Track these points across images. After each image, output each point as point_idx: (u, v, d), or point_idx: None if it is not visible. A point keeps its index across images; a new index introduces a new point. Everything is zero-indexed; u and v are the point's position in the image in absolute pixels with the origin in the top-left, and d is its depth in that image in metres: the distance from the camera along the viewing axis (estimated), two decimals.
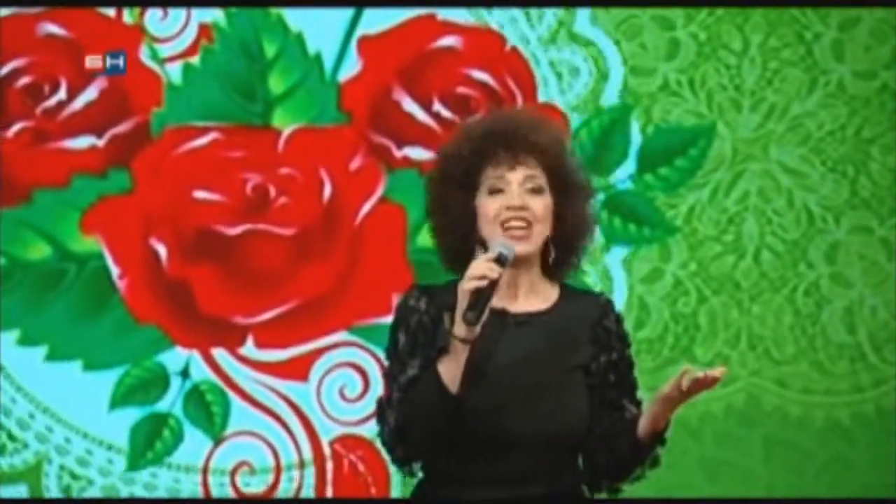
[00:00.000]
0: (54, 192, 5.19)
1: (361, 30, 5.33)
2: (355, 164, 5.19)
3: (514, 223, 3.31)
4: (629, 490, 4.98)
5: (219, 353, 5.18)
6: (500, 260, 3.25)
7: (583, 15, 5.33)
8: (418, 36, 5.24)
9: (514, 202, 3.32)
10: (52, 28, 5.17)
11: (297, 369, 5.07)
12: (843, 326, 5.31)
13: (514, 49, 5.22)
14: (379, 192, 5.29)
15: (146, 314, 5.20)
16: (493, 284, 3.23)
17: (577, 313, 3.37)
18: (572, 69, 5.32)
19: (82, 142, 5.17)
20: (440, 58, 5.19)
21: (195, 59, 5.28)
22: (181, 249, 5.25)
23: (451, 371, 3.26)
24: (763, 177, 5.27)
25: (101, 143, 5.18)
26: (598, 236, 5.07)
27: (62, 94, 5.15)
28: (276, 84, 5.22)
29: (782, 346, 5.28)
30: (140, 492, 5.20)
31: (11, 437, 5.25)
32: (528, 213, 3.32)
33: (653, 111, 5.23)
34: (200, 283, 5.23)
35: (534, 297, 3.38)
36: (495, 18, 5.29)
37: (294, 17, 5.22)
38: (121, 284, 5.23)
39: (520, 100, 5.25)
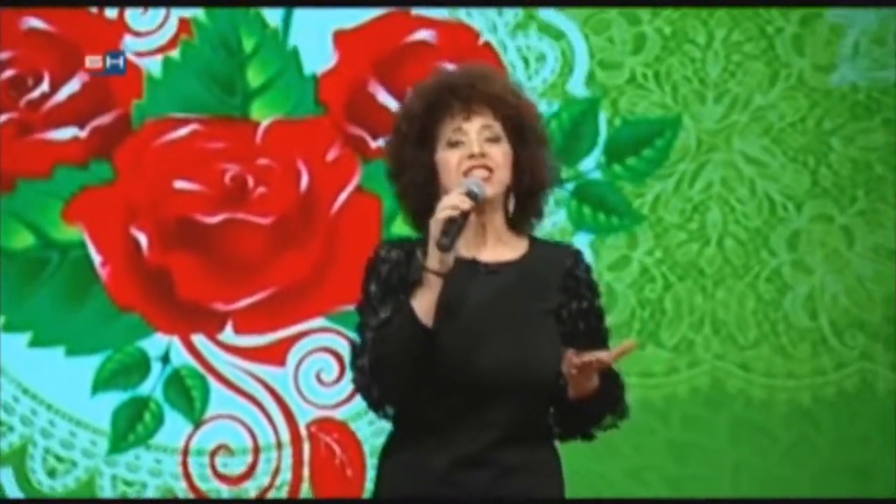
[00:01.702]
0: (37, 183, 5.18)
1: (338, 25, 5.30)
2: (332, 154, 5.19)
3: (476, 172, 3.30)
4: (630, 490, 5.08)
5: (198, 339, 5.20)
6: (470, 194, 3.25)
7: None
8: (393, 30, 5.23)
9: (474, 150, 3.31)
10: (36, 23, 5.16)
11: (275, 354, 5.10)
12: (805, 312, 5.32)
13: (487, 43, 5.21)
14: (355, 182, 5.32)
15: (127, 301, 5.21)
16: (465, 216, 3.23)
17: (546, 262, 3.36)
18: (539, 56, 5.32)
19: (65, 133, 5.17)
20: (415, 51, 5.18)
21: (175, 53, 5.28)
22: (161, 238, 5.25)
23: (424, 304, 3.24)
24: (726, 167, 5.29)
25: (83, 134, 5.18)
26: (564, 222, 5.13)
27: (45, 86, 5.14)
28: (254, 77, 5.23)
29: (745, 330, 5.30)
30: (123, 472, 5.22)
31: None
32: (489, 160, 3.31)
33: (620, 103, 5.25)
34: (180, 270, 5.22)
35: (502, 247, 3.37)
36: (466, 12, 5.28)
37: (271, 14, 5.24)
38: (103, 272, 5.24)
39: None
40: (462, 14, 5.35)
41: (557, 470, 3.38)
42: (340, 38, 5.26)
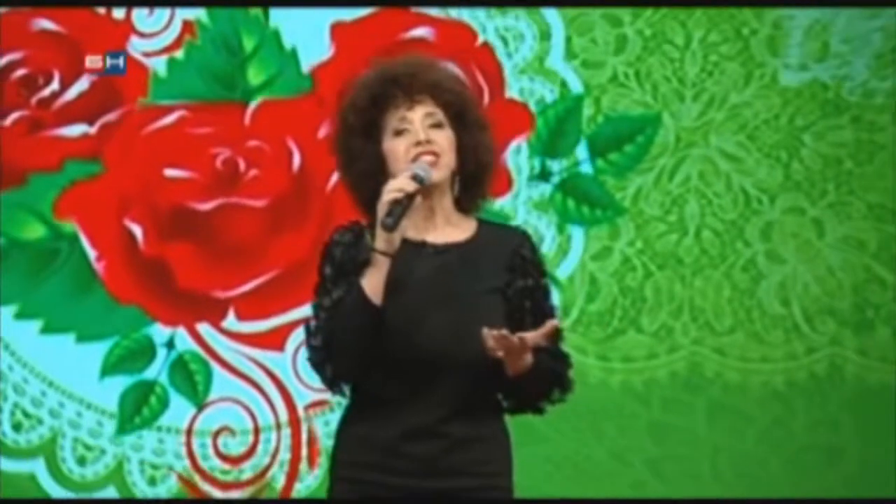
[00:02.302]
0: (48, 176, 5.14)
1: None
2: (323, 132, 5.03)
3: (423, 158, 3.29)
4: (614, 470, 5.10)
5: (202, 326, 5.17)
6: (416, 178, 3.24)
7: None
8: (391, 25, 5.14)
9: (419, 137, 3.30)
10: (45, 24, 5.15)
11: (275, 340, 5.09)
12: (778, 299, 5.29)
13: (486, 44, 5.16)
14: None
15: (126, 295, 5.14)
16: (410, 198, 3.21)
17: (494, 243, 3.36)
18: (517, 35, 5.27)
19: (75, 130, 5.14)
20: (412, 48, 5.06)
21: (179, 53, 5.21)
22: (156, 228, 5.14)
23: (373, 283, 3.23)
24: (703, 162, 5.28)
25: (93, 130, 5.14)
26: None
27: (55, 85, 5.12)
28: (254, 75, 5.19)
29: (721, 317, 5.28)
30: (128, 452, 5.20)
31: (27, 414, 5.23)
32: (434, 146, 3.30)
33: (602, 101, 5.24)
34: (178, 260, 5.13)
35: (451, 228, 3.36)
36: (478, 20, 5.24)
37: (273, 14, 5.20)
38: (99, 267, 5.15)
39: (487, 95, 5.16)
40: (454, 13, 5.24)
41: (506, 443, 3.39)
42: (337, 30, 5.19)
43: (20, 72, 5.14)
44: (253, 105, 5.15)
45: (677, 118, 5.27)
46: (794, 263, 5.30)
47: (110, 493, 5.19)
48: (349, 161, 3.36)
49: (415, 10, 5.18)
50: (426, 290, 3.30)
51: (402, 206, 3.20)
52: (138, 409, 5.19)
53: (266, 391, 5.15)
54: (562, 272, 5.28)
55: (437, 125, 3.33)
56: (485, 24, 5.24)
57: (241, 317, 5.12)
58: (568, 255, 5.30)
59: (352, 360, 3.28)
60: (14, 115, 5.15)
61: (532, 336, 3.19)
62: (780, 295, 5.29)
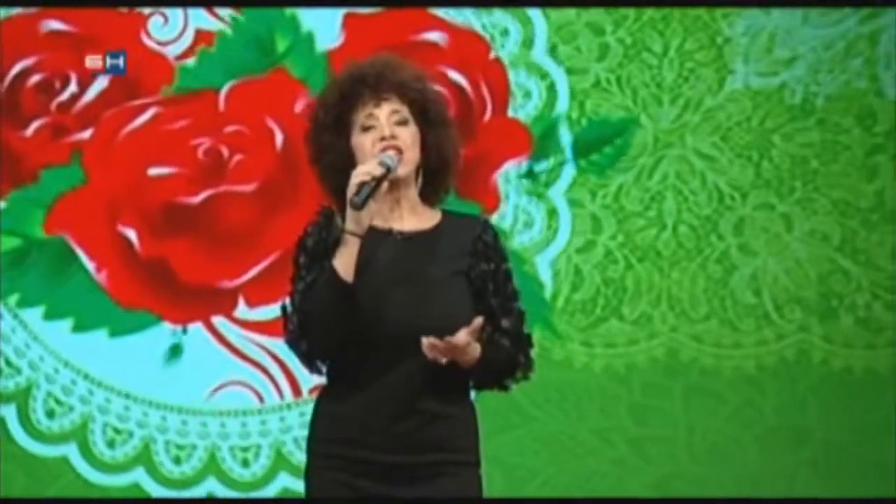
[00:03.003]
0: (60, 170, 5.03)
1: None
2: (299, 105, 4.91)
3: (387, 152, 3.29)
4: (597, 448, 5.21)
5: (216, 319, 5.13)
6: (382, 164, 3.25)
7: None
8: (405, 24, 5.06)
9: (384, 133, 3.29)
10: (54, 24, 4.98)
11: (280, 328, 4.99)
12: (749, 290, 5.30)
13: (498, 59, 5.11)
14: None
15: (132, 301, 5.00)
16: (377, 181, 3.22)
17: (458, 230, 3.37)
18: (526, 93, 5.21)
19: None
20: (422, 50, 5.00)
21: (191, 61, 5.05)
22: (150, 230, 4.97)
23: (344, 262, 3.23)
24: (680, 161, 5.27)
25: None
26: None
27: (73, 87, 4.96)
28: None
29: (697, 306, 5.29)
30: (154, 433, 5.16)
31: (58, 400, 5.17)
32: (398, 141, 3.30)
33: (586, 105, 5.24)
34: (177, 258, 4.98)
35: (416, 218, 3.37)
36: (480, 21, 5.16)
37: (305, 17, 5.08)
38: (100, 278, 4.99)
39: (489, 111, 5.14)
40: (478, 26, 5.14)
41: (472, 418, 3.36)
42: (350, 20, 5.07)
43: (35, 77, 4.99)
44: (224, 90, 4.97)
45: (655, 121, 5.25)
46: (764, 256, 5.29)
47: (139, 473, 5.15)
48: (320, 154, 3.36)
49: (432, 12, 5.08)
50: (393, 274, 3.29)
51: (369, 186, 3.19)
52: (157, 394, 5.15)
53: (273, 375, 5.14)
54: (546, 259, 5.27)
55: (403, 122, 3.32)
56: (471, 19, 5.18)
57: (251, 304, 5.06)
58: (553, 243, 5.30)
59: (325, 337, 3.26)
60: (36, 124, 5.02)
61: (461, 336, 3.18)
62: (751, 285, 5.30)
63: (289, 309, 3.31)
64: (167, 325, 5.09)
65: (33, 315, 5.10)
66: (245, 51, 5.05)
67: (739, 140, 5.30)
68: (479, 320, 3.21)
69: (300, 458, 5.10)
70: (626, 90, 5.27)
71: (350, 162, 3.30)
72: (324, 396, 3.36)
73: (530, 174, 5.26)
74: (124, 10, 4.99)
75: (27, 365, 5.13)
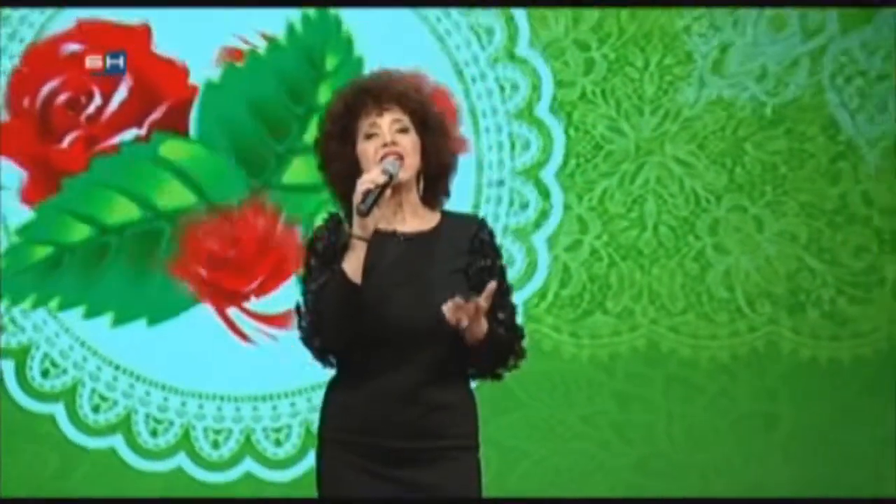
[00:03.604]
0: (79, 178, 5.10)
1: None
2: None
3: (389, 157, 3.33)
4: (583, 432, 5.24)
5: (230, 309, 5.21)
6: (385, 171, 3.28)
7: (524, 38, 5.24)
8: None
9: (386, 140, 3.33)
10: (73, 46, 5.09)
11: (285, 320, 5.10)
12: (723, 285, 5.34)
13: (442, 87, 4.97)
14: None
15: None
16: (381, 188, 3.24)
17: (456, 230, 3.40)
18: (514, 84, 5.23)
19: (128, 135, 5.10)
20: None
21: (261, 51, 5.00)
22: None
23: (352, 264, 3.27)
24: (660, 167, 5.30)
25: (143, 131, 5.11)
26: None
27: (98, 100, 5.08)
28: (324, 94, 5.08)
29: (675, 300, 5.32)
30: (193, 421, 5.21)
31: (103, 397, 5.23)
32: (399, 147, 3.33)
33: (574, 115, 5.29)
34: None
35: (418, 220, 3.39)
36: (453, 40, 5.18)
37: (361, 43, 5.08)
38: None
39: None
40: (450, 43, 5.13)
41: (472, 406, 3.40)
42: None
43: (63, 97, 5.06)
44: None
45: (637, 130, 5.28)
46: (737, 254, 5.32)
47: (181, 458, 5.20)
48: (328, 162, 3.40)
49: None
50: (397, 273, 3.31)
51: (374, 194, 3.22)
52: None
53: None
54: (540, 239, 5.27)
55: (404, 130, 3.35)
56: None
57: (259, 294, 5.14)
58: (537, 252, 5.28)
59: (336, 334, 3.28)
60: (69, 137, 5.09)
61: (481, 299, 3.22)
62: (725, 281, 5.33)
63: (302, 309, 3.35)
64: (204, 306, 5.14)
65: (74, 316, 5.17)
66: (295, 61, 5.05)
67: (714, 148, 5.33)
68: (492, 284, 3.22)
69: None
70: (611, 101, 5.29)
71: (356, 169, 3.33)
72: (333, 386, 3.41)
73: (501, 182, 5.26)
74: (133, 22, 5.01)
75: (72, 365, 5.20)
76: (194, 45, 5.06)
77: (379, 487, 3.31)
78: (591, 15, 5.25)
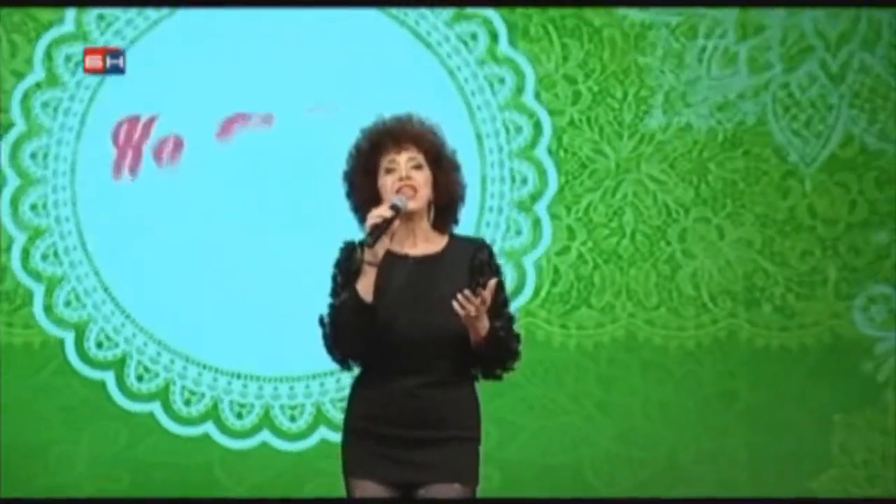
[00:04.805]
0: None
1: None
2: None
3: (404, 190, 3.57)
4: (572, 410, 5.52)
5: None
6: (393, 206, 3.50)
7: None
8: None
9: (402, 175, 3.56)
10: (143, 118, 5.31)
11: None
12: (690, 284, 5.65)
13: None
14: None
15: None
16: (389, 222, 3.45)
17: (461, 252, 3.61)
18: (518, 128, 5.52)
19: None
20: None
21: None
22: None
23: (364, 286, 3.51)
24: (636, 183, 5.59)
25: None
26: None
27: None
28: None
29: (650, 297, 5.63)
30: (221, 395, 5.50)
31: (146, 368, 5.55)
32: (413, 181, 3.57)
33: (563, 139, 5.60)
34: None
35: (428, 244, 3.61)
36: (469, 87, 5.46)
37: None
38: None
39: None
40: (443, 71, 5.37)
41: (475, 402, 3.64)
42: None
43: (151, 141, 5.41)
44: None
45: (617, 151, 5.59)
46: (702, 258, 5.63)
47: (208, 426, 5.52)
48: (353, 191, 3.65)
49: None
50: (408, 292, 3.55)
51: (381, 229, 3.45)
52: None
53: None
54: (532, 259, 5.58)
55: (418, 166, 3.58)
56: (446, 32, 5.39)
57: None
58: (538, 247, 5.58)
59: (354, 345, 3.55)
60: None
61: (488, 290, 3.45)
62: (692, 281, 5.64)
63: (325, 321, 3.60)
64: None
65: (128, 296, 5.52)
66: None
67: (682, 167, 5.62)
68: (493, 282, 3.47)
69: (335, 415, 5.48)
70: (594, 127, 5.60)
71: (377, 198, 3.57)
72: (357, 382, 3.68)
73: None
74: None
75: (123, 340, 5.56)
76: None
77: (392, 468, 3.57)
78: (578, 53, 5.53)
